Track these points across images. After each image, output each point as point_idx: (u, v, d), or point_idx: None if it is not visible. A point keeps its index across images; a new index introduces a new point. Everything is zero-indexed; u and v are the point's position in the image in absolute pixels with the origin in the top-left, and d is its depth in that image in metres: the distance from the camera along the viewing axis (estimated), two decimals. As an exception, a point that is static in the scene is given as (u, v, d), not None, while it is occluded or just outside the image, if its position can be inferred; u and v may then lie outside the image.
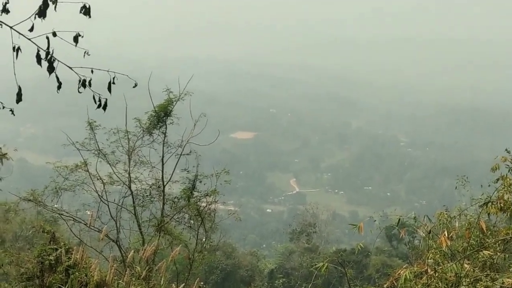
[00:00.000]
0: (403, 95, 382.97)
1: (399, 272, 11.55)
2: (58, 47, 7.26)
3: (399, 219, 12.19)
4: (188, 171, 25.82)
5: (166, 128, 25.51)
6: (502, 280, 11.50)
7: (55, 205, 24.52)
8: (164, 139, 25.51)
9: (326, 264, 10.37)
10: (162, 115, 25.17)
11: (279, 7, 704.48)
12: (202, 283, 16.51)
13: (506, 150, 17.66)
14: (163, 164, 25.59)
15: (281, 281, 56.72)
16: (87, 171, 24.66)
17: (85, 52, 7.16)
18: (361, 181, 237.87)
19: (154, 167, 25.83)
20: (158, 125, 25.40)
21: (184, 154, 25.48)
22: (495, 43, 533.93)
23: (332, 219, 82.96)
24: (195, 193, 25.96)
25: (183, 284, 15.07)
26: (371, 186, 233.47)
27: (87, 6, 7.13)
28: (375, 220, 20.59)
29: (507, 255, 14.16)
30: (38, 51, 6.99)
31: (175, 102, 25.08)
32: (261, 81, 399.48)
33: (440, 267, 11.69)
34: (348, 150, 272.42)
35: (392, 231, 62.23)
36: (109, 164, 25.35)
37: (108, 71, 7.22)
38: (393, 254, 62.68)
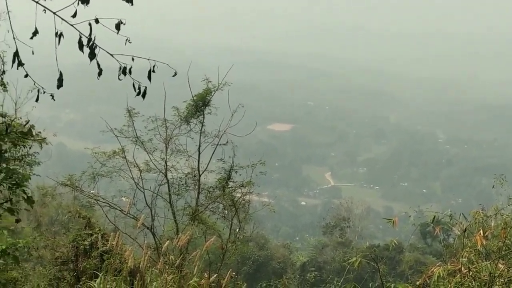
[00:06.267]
0: (441, 91, 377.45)
1: (432, 269, 11.48)
2: (100, 34, 7.32)
3: (435, 216, 12.08)
4: (224, 161, 25.86)
5: (203, 117, 25.50)
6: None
7: (92, 191, 24.77)
8: (201, 129, 25.50)
9: (359, 259, 10.33)
10: (200, 105, 25.18)
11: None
12: (234, 273, 16.53)
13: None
14: (199, 154, 25.60)
15: (313, 274, 56.38)
16: (125, 158, 24.85)
17: (126, 40, 7.17)
18: (397, 176, 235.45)
19: (191, 156, 25.86)
20: (196, 115, 25.38)
21: (220, 144, 25.46)
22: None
23: (366, 214, 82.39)
24: (230, 184, 26.02)
25: (216, 274, 15.11)
26: (407, 182, 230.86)
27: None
28: (410, 216, 20.33)
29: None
30: (80, 37, 7.03)
31: (213, 92, 25.07)
32: (299, 73, 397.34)
33: (474, 266, 11.57)
34: (385, 145, 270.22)
35: (427, 228, 61.47)
36: (146, 151, 25.49)
37: (148, 59, 7.24)
38: (427, 251, 62.07)
